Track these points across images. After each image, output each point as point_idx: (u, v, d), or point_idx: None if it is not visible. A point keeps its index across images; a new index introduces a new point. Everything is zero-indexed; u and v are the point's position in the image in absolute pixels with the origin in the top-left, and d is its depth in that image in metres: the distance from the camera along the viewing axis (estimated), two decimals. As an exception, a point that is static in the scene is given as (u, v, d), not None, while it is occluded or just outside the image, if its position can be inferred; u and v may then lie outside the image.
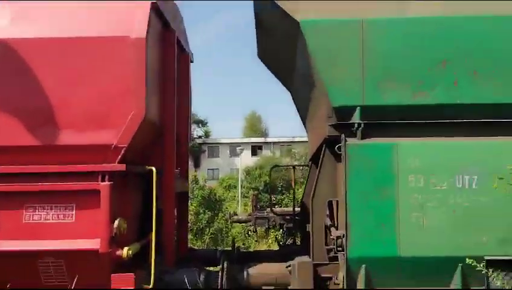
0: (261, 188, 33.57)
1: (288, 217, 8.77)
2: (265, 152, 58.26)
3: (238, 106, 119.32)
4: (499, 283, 4.67)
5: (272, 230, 12.49)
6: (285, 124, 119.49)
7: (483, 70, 5.50)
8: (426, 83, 5.55)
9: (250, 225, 9.88)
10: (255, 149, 60.33)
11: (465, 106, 5.53)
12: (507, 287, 4.55)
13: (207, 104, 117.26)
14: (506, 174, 4.20)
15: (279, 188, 34.31)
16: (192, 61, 8.08)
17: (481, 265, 4.37)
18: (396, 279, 5.47)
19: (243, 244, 17.03)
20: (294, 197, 9.13)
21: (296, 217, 8.47)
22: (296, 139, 53.03)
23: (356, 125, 5.55)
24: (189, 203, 17.22)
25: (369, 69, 5.57)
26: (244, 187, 38.18)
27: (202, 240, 16.69)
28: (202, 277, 6.06)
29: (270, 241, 15.69)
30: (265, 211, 9.74)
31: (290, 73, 7.88)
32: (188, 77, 7.65)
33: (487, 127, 5.52)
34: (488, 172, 5.13)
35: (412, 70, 5.56)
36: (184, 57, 7.56)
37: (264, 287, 6.07)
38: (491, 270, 5.01)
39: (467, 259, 4.46)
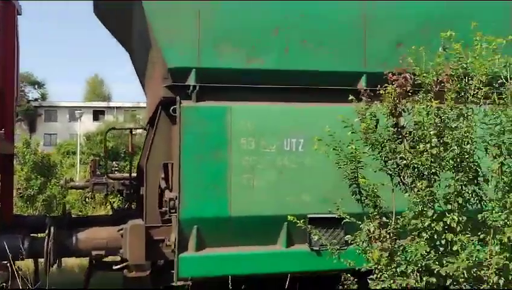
0: (102, 154, 32.45)
1: (127, 183, 8.59)
2: (108, 117, 56.38)
3: (79, 68, 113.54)
4: (316, 238, 5.02)
5: (111, 196, 12.16)
6: (129, 88, 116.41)
7: (312, 39, 5.78)
8: (260, 49, 5.70)
9: (88, 192, 9.50)
10: (97, 114, 58.06)
11: (296, 72, 5.79)
12: (325, 243, 4.90)
13: (45, 65, 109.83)
14: (326, 138, 4.47)
15: (122, 154, 33.51)
16: (20, 14, 7.42)
17: (301, 222, 4.64)
18: (227, 238, 5.64)
19: (80, 211, 16.40)
20: (131, 161, 8.94)
21: (133, 182, 8.32)
22: (141, 105, 51.94)
23: (191, 87, 5.55)
24: (19, 168, 16.20)
25: (205, 32, 5.57)
26: (84, 153, 36.68)
27: (34, 207, 15.75)
28: (26, 243, 5.70)
29: (109, 207, 15.30)
30: (104, 177, 9.43)
31: (128, 33, 7.62)
32: (13, 30, 7.01)
33: (314, 93, 5.85)
34: (313, 136, 5.44)
35: (247, 35, 5.68)
36: (9, 8, 6.90)
37: (94, 252, 5.89)
38: (312, 227, 5.36)
39: (289, 217, 4.70)
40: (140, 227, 5.70)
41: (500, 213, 3.93)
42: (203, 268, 5.57)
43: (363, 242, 4.32)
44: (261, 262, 5.69)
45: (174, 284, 5.66)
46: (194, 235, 5.55)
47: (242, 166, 5.57)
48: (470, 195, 4.18)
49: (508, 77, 4.17)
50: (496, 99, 4.09)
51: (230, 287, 5.17)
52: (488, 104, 4.16)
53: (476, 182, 4.20)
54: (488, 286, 3.93)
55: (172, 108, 5.60)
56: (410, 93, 4.34)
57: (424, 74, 4.19)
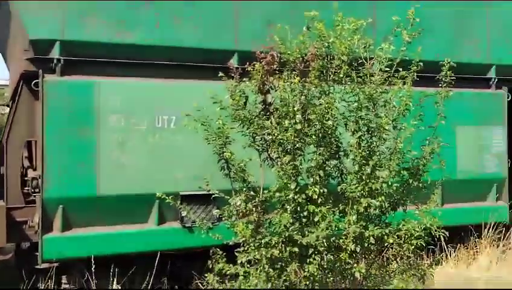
0: (-37, 134, 29.97)
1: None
2: (-28, 95, 52.08)
3: None
4: (185, 213, 5.01)
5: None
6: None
7: (184, 15, 5.72)
8: (129, 23, 5.54)
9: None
10: (-41, 91, 53.40)
11: (167, 48, 5.70)
12: (196, 220, 4.90)
13: None
14: (197, 114, 4.45)
15: (-12, 135, 31.22)
16: None
17: (170, 198, 4.59)
18: (95, 217, 5.45)
19: None
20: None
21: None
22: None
23: (55, 60, 5.27)
24: None
25: (71, 3, 5.30)
26: None
27: None
28: None
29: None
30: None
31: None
32: None
33: (187, 69, 5.80)
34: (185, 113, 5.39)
35: (116, 7, 5.49)
36: None
37: None
38: (185, 204, 5.34)
39: (158, 194, 4.64)
40: (0, 208, 5.35)
41: (357, 185, 4.18)
42: (70, 249, 5.34)
43: (231, 216, 4.39)
44: (131, 241, 5.57)
45: (39, 267, 5.40)
46: (60, 216, 5.29)
47: (111, 143, 5.40)
48: (331, 168, 4.40)
49: (368, 57, 4.41)
50: (355, 78, 4.32)
51: (94, 268, 5.02)
52: (348, 82, 4.39)
53: (337, 156, 4.42)
54: (347, 254, 4.18)
55: (34, 82, 5.29)
56: (277, 71, 4.45)
57: (289, 52, 4.30)
